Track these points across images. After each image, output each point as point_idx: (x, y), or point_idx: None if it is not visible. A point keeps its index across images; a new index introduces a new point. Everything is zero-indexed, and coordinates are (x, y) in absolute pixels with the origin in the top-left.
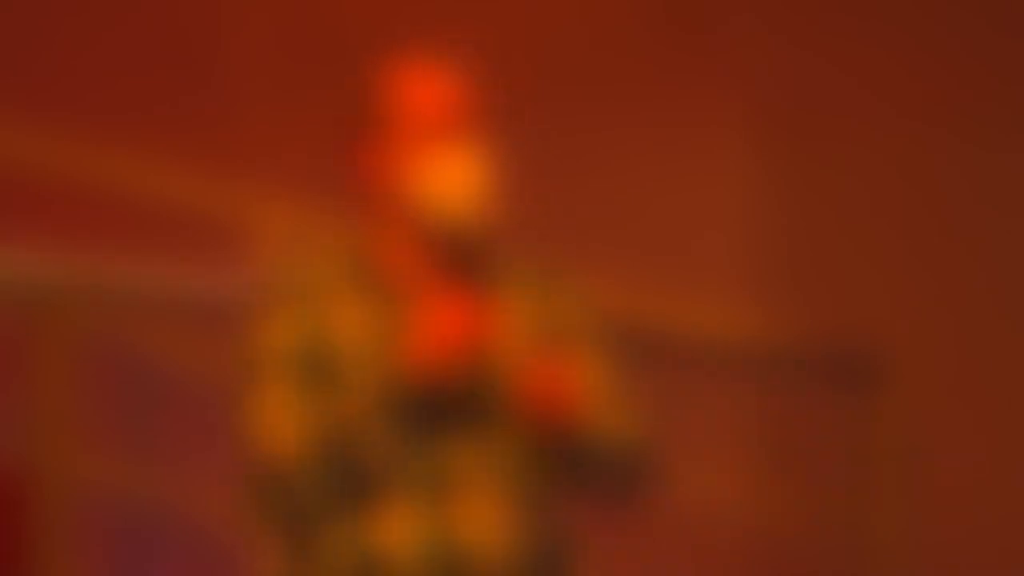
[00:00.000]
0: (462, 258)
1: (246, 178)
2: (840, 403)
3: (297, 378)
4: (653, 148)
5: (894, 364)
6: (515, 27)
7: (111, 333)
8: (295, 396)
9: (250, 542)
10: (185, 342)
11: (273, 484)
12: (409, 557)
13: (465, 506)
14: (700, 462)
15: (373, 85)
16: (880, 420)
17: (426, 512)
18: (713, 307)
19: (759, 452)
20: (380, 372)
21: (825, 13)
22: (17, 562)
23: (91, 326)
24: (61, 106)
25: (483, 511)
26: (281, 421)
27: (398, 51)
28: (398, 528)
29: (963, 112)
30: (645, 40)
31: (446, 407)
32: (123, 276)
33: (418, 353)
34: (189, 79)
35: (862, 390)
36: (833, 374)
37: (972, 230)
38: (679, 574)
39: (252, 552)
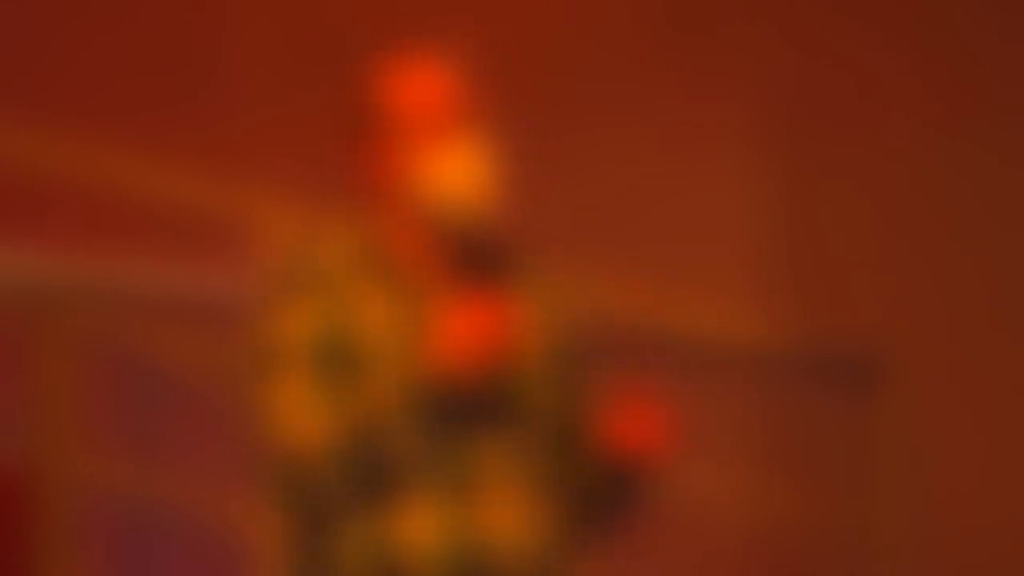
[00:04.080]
0: (473, 255)
1: (247, 178)
2: (841, 404)
3: (318, 369)
4: (654, 149)
5: (895, 366)
6: (516, 28)
7: (112, 333)
8: (316, 387)
9: (257, 539)
10: (186, 342)
11: (292, 476)
12: (431, 556)
13: (487, 506)
14: (700, 462)
15: (375, 83)
16: (881, 422)
17: (448, 511)
18: (714, 308)
19: (760, 452)
20: (405, 369)
21: (826, 15)
22: (19, 562)
23: (92, 326)
24: (61, 106)
25: (505, 511)
26: (301, 412)
27: (400, 50)
28: (420, 527)
29: (964, 115)
30: (646, 41)
31: (471, 406)
32: (124, 276)
33: (445, 352)
34: (190, 79)
35: (863, 391)
36: (834, 376)
37: (973, 233)
38: (679, 574)
39: (260, 549)
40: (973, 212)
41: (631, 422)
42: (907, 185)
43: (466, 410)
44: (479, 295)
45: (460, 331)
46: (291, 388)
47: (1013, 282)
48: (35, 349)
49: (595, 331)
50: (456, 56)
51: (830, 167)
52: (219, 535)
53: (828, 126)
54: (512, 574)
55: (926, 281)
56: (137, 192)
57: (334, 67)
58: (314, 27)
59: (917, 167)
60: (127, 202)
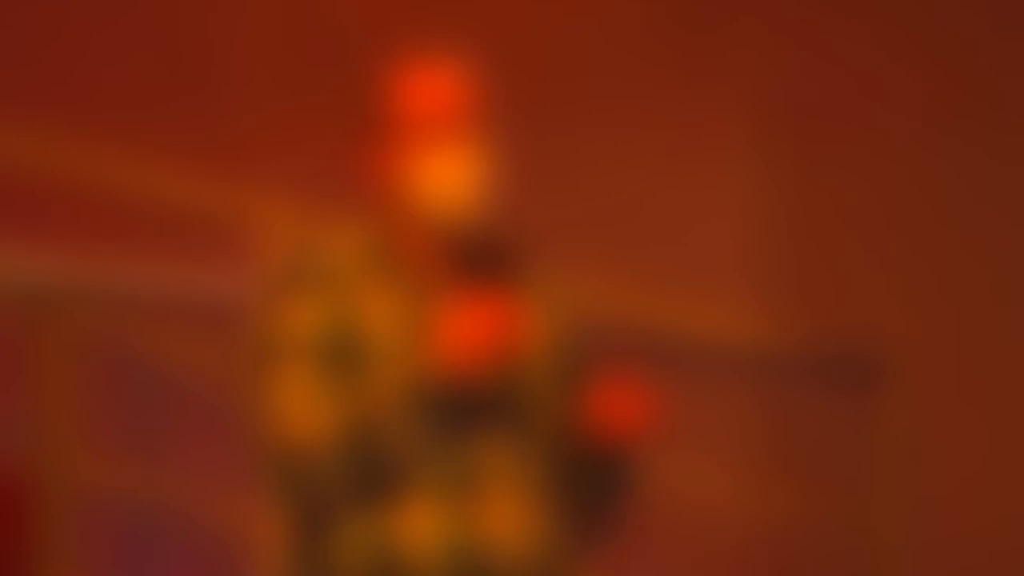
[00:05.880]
0: (476, 255)
1: (246, 178)
2: (842, 404)
3: (321, 366)
4: (656, 148)
5: (896, 366)
6: (519, 28)
7: (112, 333)
8: (319, 384)
9: (258, 539)
10: (186, 342)
11: (294, 473)
12: (431, 555)
13: (488, 505)
14: (701, 462)
15: (377, 84)
16: (881, 421)
17: (449, 510)
18: (715, 308)
19: (761, 452)
20: (408, 367)
21: (828, 14)
22: (19, 563)
23: (92, 326)
24: (61, 106)
25: (506, 511)
26: (304, 408)
27: (400, 51)
28: (420, 525)
29: (965, 114)
30: (648, 40)
31: (473, 405)
32: (123, 276)
33: (449, 351)
34: (189, 79)
35: (864, 391)
36: (835, 375)
37: (974, 233)
38: (679, 574)
39: (260, 549)
40: (974, 212)
41: (613, 404)
42: (908, 185)
43: (468, 409)
44: (483, 295)
45: (464, 330)
46: (294, 384)
47: (1014, 282)
48: (35, 349)
49: (595, 331)
50: (458, 56)
51: (832, 167)
52: (220, 536)
53: (830, 126)
54: (512, 574)
55: (927, 281)
56: (137, 192)
57: (335, 68)
58: (315, 27)
59: (918, 167)
60: (127, 202)
